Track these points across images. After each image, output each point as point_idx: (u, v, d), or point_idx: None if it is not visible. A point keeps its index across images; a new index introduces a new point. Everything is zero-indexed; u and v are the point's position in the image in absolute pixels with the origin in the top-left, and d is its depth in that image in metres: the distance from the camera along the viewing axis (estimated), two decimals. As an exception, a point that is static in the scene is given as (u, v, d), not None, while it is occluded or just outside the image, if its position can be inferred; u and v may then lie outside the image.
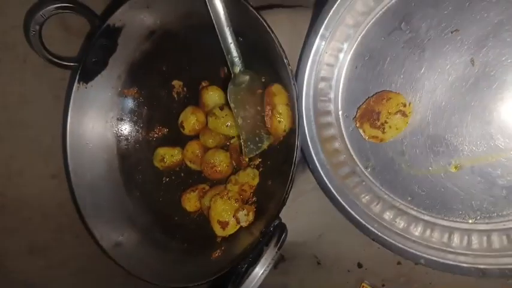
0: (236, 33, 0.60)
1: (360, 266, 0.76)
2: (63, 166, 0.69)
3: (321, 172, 0.57)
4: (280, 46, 0.48)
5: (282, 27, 0.61)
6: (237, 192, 0.61)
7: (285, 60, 0.48)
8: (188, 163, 0.68)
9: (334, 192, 0.56)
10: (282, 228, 0.49)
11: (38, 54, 0.61)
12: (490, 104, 0.47)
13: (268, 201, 0.57)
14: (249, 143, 0.58)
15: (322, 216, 0.70)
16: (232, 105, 0.59)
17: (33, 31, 0.58)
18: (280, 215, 0.52)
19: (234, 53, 0.56)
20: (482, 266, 0.45)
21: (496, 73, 0.46)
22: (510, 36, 0.45)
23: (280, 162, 0.59)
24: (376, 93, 0.54)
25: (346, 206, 0.55)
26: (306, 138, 0.56)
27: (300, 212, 0.67)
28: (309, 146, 0.56)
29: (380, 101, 0.52)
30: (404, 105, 0.51)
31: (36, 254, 0.81)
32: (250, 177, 0.61)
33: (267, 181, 0.60)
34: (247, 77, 0.58)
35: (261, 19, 0.48)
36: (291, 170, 0.47)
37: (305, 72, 0.55)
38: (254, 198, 0.61)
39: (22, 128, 0.75)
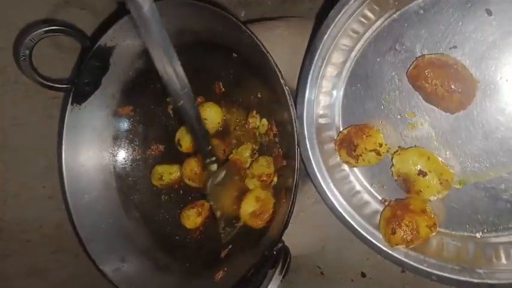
0: (230, 50, 0.60)
1: (363, 275, 0.76)
2: (59, 186, 0.68)
3: (324, 187, 0.57)
4: (277, 66, 0.47)
5: (277, 43, 0.60)
6: (258, 185, 0.61)
7: (282, 81, 0.47)
8: (187, 181, 0.68)
9: (339, 209, 0.56)
10: (286, 253, 0.48)
11: (29, 79, 0.59)
12: (490, 120, 0.47)
13: (270, 222, 0.56)
14: (227, 228, 0.60)
15: (324, 229, 0.69)
16: (211, 202, 0.62)
17: (23, 56, 0.56)
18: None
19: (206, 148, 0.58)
20: (491, 281, 0.45)
21: (493, 91, 0.46)
22: (504, 55, 0.45)
23: (280, 180, 0.58)
24: (359, 124, 0.55)
25: (353, 223, 0.56)
26: (309, 157, 0.56)
27: (303, 226, 0.67)
28: (311, 164, 0.56)
29: (360, 135, 0.54)
30: (381, 146, 0.54)
31: (36, 275, 0.80)
32: (264, 167, 0.60)
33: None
34: (223, 172, 0.61)
35: (255, 39, 0.47)
36: (292, 192, 0.46)
37: (305, 95, 0.55)
38: (275, 179, 0.61)
39: (16, 150, 0.74)
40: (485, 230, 0.49)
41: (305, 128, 0.56)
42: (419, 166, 0.50)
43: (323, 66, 0.54)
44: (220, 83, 0.65)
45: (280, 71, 0.47)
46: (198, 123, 0.53)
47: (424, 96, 0.49)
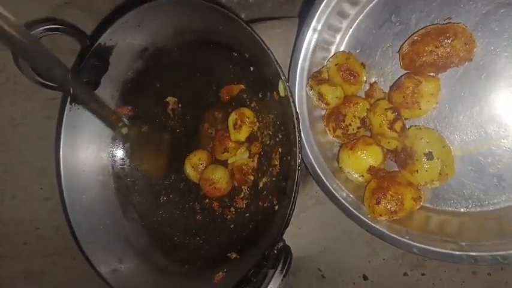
0: (230, 48, 0.59)
1: (365, 278, 0.75)
2: (57, 187, 0.67)
3: (314, 163, 0.56)
4: (277, 62, 0.47)
5: (278, 41, 0.60)
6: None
7: (283, 77, 0.46)
8: (188, 170, 0.67)
9: (323, 178, 0.56)
10: (286, 252, 0.47)
11: (28, 78, 0.59)
12: (479, 93, 0.47)
13: (270, 222, 0.56)
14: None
15: (325, 231, 0.69)
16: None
17: (22, 55, 0.56)
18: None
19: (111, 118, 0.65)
20: (473, 253, 0.45)
21: (485, 62, 0.46)
22: (498, 26, 0.45)
23: (281, 180, 0.57)
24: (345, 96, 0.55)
25: (337, 196, 0.55)
26: (305, 148, 0.56)
27: (303, 227, 0.66)
28: (308, 154, 0.56)
29: (347, 105, 0.53)
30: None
31: (33, 278, 0.79)
32: (244, 158, 0.61)
33: (268, 201, 0.59)
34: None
35: (256, 36, 0.47)
36: (293, 191, 0.46)
37: (297, 65, 0.55)
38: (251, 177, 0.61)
39: (14, 150, 0.73)
40: (470, 206, 0.49)
41: (297, 104, 0.54)
42: (431, 149, 0.48)
43: (317, 37, 0.53)
44: (225, 91, 0.64)
45: (280, 67, 0.47)
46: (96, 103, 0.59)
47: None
